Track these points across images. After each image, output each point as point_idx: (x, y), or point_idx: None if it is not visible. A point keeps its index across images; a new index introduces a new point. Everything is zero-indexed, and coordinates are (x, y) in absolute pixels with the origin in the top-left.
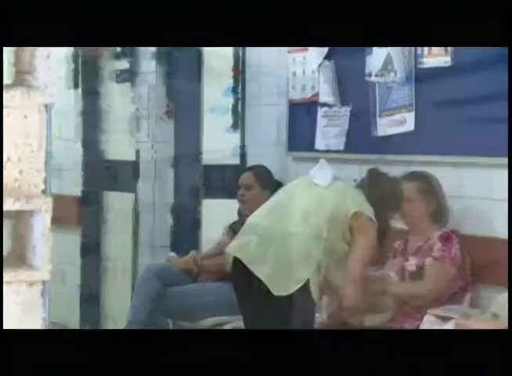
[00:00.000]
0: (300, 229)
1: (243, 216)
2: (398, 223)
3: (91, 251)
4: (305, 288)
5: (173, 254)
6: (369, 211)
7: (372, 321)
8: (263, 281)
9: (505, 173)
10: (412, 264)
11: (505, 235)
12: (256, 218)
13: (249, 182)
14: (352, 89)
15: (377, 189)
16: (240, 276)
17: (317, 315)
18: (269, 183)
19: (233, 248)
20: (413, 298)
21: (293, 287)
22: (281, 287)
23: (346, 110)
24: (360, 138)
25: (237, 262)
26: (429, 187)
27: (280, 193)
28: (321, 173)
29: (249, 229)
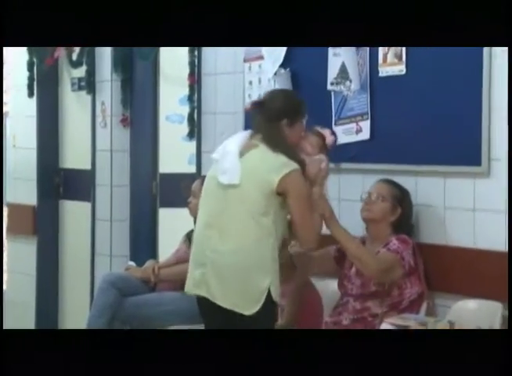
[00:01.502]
0: (245, 242)
1: None
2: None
3: (48, 260)
4: (268, 293)
5: (132, 263)
6: (288, 165)
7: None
8: (232, 309)
9: (458, 181)
10: None
11: (458, 243)
12: (198, 240)
13: (195, 190)
14: (308, 98)
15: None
16: (209, 310)
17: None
18: None
19: (191, 288)
20: (355, 259)
21: (261, 300)
22: (250, 306)
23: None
24: None
25: (201, 299)
26: (401, 196)
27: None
28: (227, 168)
29: (197, 259)
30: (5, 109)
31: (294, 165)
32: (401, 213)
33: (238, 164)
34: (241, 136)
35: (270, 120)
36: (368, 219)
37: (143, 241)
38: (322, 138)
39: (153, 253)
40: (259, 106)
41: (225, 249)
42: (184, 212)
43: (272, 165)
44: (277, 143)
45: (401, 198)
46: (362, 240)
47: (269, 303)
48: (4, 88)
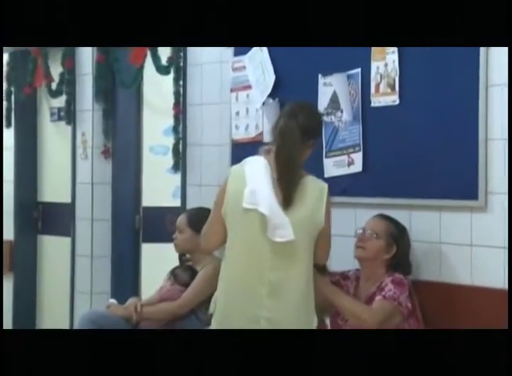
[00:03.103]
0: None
1: (183, 261)
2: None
3: (25, 298)
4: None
5: (113, 301)
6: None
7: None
8: None
9: (454, 216)
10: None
11: (455, 279)
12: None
13: (179, 225)
14: None
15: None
16: None
17: None
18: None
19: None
20: (350, 316)
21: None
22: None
23: None
24: None
25: None
26: (397, 233)
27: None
28: (279, 227)
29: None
30: None
31: (323, 182)
32: (396, 251)
33: (286, 217)
34: (261, 167)
35: (304, 138)
36: (361, 258)
37: (125, 278)
38: None
39: (136, 290)
40: (293, 116)
41: (280, 307)
42: (168, 248)
43: (314, 197)
44: (299, 164)
45: (397, 235)
46: (356, 274)
47: None
48: None
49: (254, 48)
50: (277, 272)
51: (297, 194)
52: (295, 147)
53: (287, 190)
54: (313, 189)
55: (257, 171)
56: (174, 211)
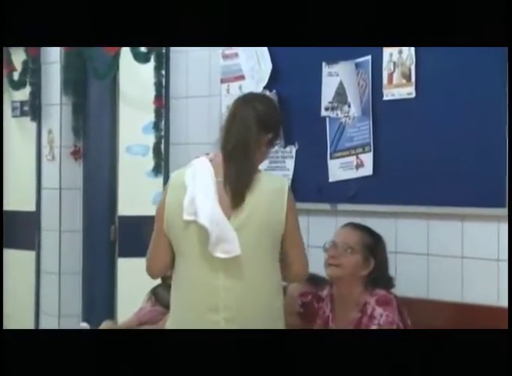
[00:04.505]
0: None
1: (166, 279)
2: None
3: None
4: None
5: (84, 324)
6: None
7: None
8: None
9: (478, 226)
10: None
11: (481, 299)
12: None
13: None
14: (298, 126)
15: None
16: None
17: None
18: None
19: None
20: None
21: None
22: None
23: (291, 151)
24: (308, 183)
25: None
26: (373, 244)
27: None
28: (222, 240)
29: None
30: None
31: (282, 178)
32: (374, 265)
33: (231, 229)
34: (203, 169)
35: (260, 129)
36: (335, 277)
37: (98, 298)
38: None
39: (111, 312)
40: (249, 102)
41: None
42: None
43: (270, 195)
44: (253, 158)
45: (373, 246)
46: (330, 293)
47: None
48: None
49: None
50: (233, 294)
51: (249, 192)
52: (249, 135)
53: (237, 185)
54: (269, 186)
55: (199, 175)
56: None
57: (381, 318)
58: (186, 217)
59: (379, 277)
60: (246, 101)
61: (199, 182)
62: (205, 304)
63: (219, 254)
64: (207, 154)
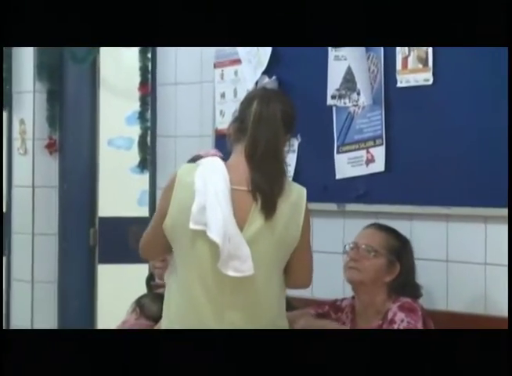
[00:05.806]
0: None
1: (152, 288)
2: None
3: None
4: None
5: None
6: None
7: None
8: None
9: (503, 228)
10: None
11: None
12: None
13: None
14: (301, 116)
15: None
16: None
17: None
18: None
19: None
20: None
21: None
22: None
23: (293, 144)
24: (312, 181)
25: None
26: (400, 247)
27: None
28: (235, 257)
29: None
30: None
31: (302, 188)
32: (400, 270)
33: (245, 246)
34: (217, 173)
35: (284, 130)
36: (355, 282)
37: (76, 309)
38: None
39: (89, 326)
40: (270, 100)
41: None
42: (132, 270)
43: (290, 203)
44: (283, 163)
45: (399, 250)
46: (351, 303)
47: None
48: None
49: None
50: (239, 312)
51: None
52: (278, 139)
53: (270, 194)
54: (290, 197)
55: (211, 180)
56: (140, 223)
57: (402, 323)
58: (193, 226)
59: (404, 284)
60: (268, 100)
61: (211, 188)
62: (207, 321)
63: (230, 273)
64: (211, 151)
